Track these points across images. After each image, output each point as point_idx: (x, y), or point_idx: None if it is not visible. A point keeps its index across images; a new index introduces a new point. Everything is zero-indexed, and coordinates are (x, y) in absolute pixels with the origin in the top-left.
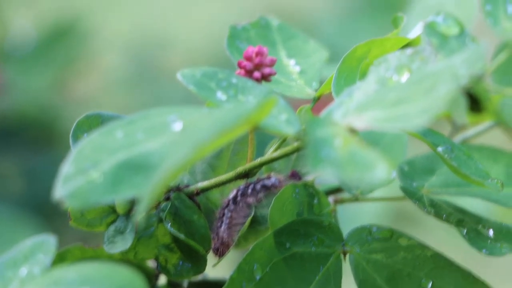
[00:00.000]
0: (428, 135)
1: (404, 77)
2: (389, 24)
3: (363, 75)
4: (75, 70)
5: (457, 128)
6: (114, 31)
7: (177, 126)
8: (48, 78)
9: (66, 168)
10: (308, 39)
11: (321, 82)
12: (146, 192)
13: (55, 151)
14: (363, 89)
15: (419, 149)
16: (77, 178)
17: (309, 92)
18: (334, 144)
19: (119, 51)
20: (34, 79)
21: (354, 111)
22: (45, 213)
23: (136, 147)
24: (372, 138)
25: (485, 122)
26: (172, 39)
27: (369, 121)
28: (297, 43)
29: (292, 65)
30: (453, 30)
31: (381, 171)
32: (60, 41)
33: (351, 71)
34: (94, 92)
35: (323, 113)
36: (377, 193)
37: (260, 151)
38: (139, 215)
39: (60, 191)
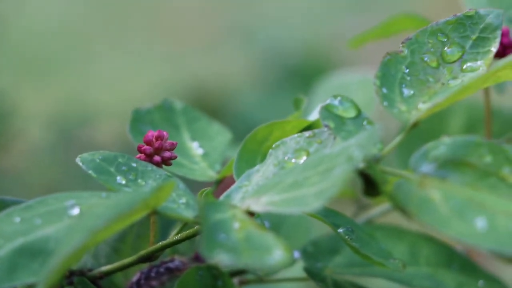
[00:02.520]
0: (330, 216)
1: (302, 160)
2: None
3: (264, 157)
4: None
5: (362, 207)
6: (39, 105)
7: (75, 211)
8: None
9: None
10: (211, 121)
11: (224, 164)
12: (43, 278)
13: None
14: (262, 172)
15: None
16: None
17: (212, 174)
18: (231, 228)
19: (44, 125)
20: None
21: (252, 194)
22: None
23: (33, 233)
24: (277, 219)
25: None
26: (100, 112)
27: (267, 205)
28: (201, 125)
29: (195, 148)
30: (350, 113)
31: (279, 255)
32: None
33: (253, 153)
34: (18, 166)
35: (222, 196)
36: (286, 273)
37: (166, 233)
38: None
39: None
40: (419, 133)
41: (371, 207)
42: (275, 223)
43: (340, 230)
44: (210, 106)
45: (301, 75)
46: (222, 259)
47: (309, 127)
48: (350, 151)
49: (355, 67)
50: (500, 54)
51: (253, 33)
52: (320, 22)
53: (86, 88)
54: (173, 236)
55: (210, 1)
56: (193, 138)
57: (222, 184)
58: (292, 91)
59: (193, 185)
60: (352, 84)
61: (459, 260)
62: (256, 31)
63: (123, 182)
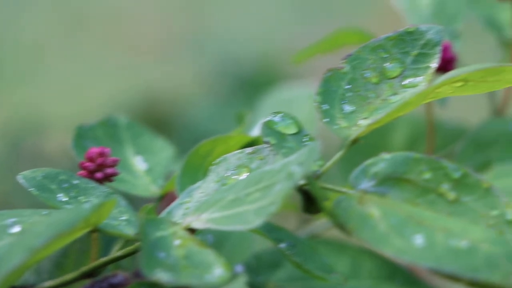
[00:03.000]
0: (272, 231)
1: (243, 176)
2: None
3: (207, 173)
4: None
5: (306, 220)
6: None
7: (16, 229)
8: None
9: None
10: (156, 136)
11: (168, 179)
12: None
13: None
14: (203, 189)
15: None
16: None
17: (155, 190)
18: (171, 245)
19: None
20: None
21: (193, 211)
22: None
23: None
24: (223, 233)
25: None
26: (52, 124)
27: (208, 222)
28: (145, 140)
29: (139, 163)
30: (291, 129)
31: (219, 272)
32: None
33: (196, 169)
34: None
35: (164, 213)
36: (230, 287)
37: (110, 248)
38: None
39: None
40: (363, 148)
41: (315, 220)
42: (220, 237)
43: (282, 245)
44: (162, 118)
45: (254, 85)
46: (162, 277)
47: (252, 143)
48: (290, 168)
49: (307, 79)
50: (442, 69)
51: (206, 44)
52: (275, 31)
53: (39, 99)
54: (115, 252)
55: (166, 10)
56: (137, 153)
57: (167, 199)
58: (245, 102)
59: (138, 201)
60: (298, 98)
61: (402, 274)
62: (209, 42)
63: (65, 199)
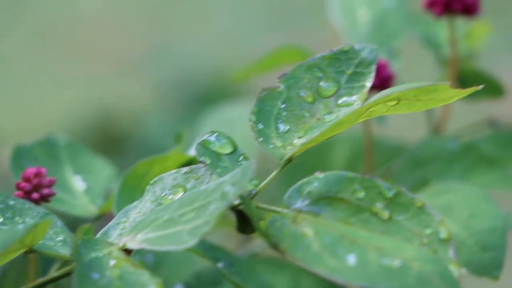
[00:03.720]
0: (210, 250)
1: (179, 196)
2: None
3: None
4: None
5: (247, 238)
6: None
7: None
8: None
9: None
10: (96, 156)
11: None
12: None
13: None
14: (139, 209)
15: None
16: None
17: (93, 210)
18: (106, 266)
19: None
20: None
21: (129, 231)
22: None
23: None
24: (161, 254)
25: None
26: (3, 140)
27: (143, 242)
28: (84, 160)
29: (78, 183)
30: (226, 149)
31: None
32: None
33: (133, 188)
34: None
35: (100, 233)
36: None
37: (49, 268)
38: None
39: None
40: (303, 166)
41: (257, 239)
42: (160, 257)
43: (220, 264)
44: (119, 132)
45: (212, 100)
46: None
47: (190, 162)
48: (225, 188)
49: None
50: (380, 87)
51: (167, 58)
52: (235, 46)
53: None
54: (53, 272)
55: (129, 23)
56: (76, 173)
57: (107, 218)
58: (202, 116)
59: (78, 221)
60: (239, 117)
61: None
62: (170, 56)
63: (0, 220)
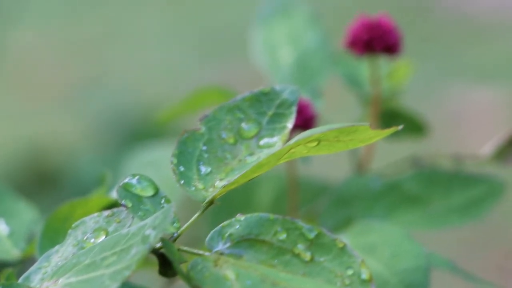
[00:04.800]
0: None
1: (101, 239)
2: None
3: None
4: None
5: (173, 280)
6: None
7: None
8: None
9: None
10: (19, 199)
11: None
12: None
13: None
14: (61, 253)
15: None
16: None
17: (16, 253)
18: None
19: None
20: None
21: (50, 276)
22: None
23: None
24: None
25: None
26: None
27: (64, 287)
28: (7, 203)
29: (1, 227)
30: (148, 192)
31: None
32: None
33: (56, 232)
34: None
35: (21, 278)
36: None
37: None
38: None
39: None
40: (228, 205)
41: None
42: None
43: None
44: (50, 169)
45: (143, 136)
46: None
47: (113, 204)
48: (146, 232)
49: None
50: (303, 127)
51: (98, 92)
52: (166, 79)
53: None
54: None
55: (63, 57)
56: None
57: (32, 262)
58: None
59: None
60: (165, 158)
61: None
62: (101, 90)
63: None
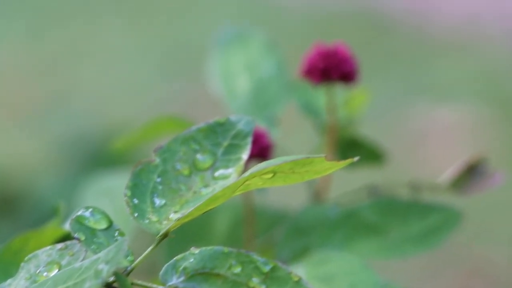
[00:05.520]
0: None
1: (54, 273)
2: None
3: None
4: None
5: None
6: None
7: None
8: None
9: None
10: None
11: None
12: None
13: None
14: (13, 286)
15: None
16: None
17: None
18: None
19: None
20: None
21: None
22: None
23: None
24: None
25: None
26: None
27: None
28: None
29: None
30: (102, 224)
31: None
32: None
33: (8, 265)
34: None
35: None
36: None
37: None
38: None
39: None
40: (185, 235)
41: None
42: None
43: None
44: (11, 192)
45: (104, 159)
46: None
47: (68, 236)
48: (99, 266)
49: None
50: (259, 156)
51: (61, 113)
52: (129, 100)
53: None
54: None
55: (27, 75)
56: None
57: None
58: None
59: None
60: (121, 187)
61: None
62: (64, 111)
63: None
